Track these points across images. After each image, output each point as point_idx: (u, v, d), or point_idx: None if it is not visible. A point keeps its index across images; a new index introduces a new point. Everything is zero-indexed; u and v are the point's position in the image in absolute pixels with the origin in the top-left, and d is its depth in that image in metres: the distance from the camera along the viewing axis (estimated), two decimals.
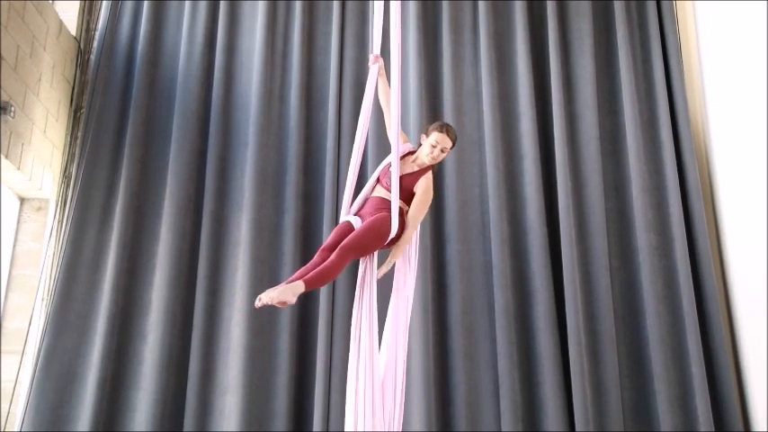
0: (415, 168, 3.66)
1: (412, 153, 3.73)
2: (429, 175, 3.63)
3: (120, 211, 5.21)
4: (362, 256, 3.51)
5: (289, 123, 5.50)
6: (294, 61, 5.64)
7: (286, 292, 3.17)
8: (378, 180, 3.72)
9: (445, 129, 3.64)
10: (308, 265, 3.44)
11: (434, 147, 3.60)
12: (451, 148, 3.69)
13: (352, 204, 3.71)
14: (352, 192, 3.72)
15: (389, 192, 3.57)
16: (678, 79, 5.53)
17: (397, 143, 3.53)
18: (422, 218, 3.64)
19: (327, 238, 3.57)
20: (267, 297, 3.15)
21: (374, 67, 3.77)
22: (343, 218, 3.67)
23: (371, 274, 3.52)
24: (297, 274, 3.35)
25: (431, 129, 3.67)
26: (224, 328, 5.04)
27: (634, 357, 4.98)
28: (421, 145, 3.67)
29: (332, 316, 5.00)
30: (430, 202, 3.64)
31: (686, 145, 5.34)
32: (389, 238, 3.50)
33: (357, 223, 3.58)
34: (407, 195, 3.60)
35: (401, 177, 3.57)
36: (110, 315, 4.97)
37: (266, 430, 4.81)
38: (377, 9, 3.75)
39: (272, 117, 5.51)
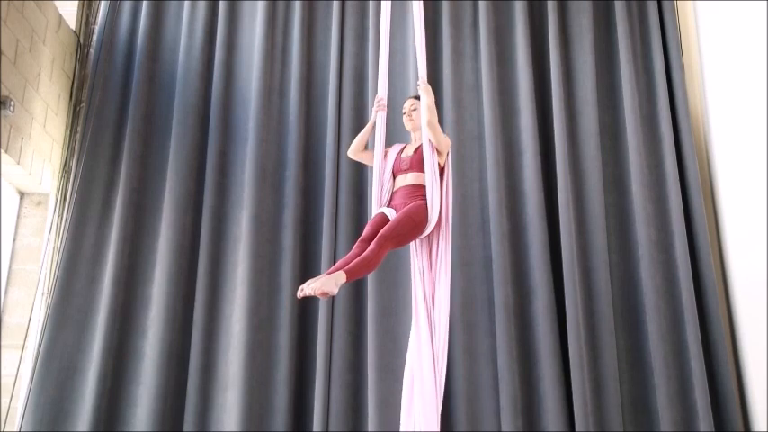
0: (416, 145, 3.87)
1: (402, 149, 3.95)
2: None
3: (120, 205, 5.22)
4: (401, 245, 3.58)
5: (289, 119, 5.49)
6: (294, 56, 5.63)
7: (328, 283, 3.18)
8: (394, 176, 3.78)
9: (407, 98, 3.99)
10: (346, 256, 3.48)
11: (404, 114, 3.96)
12: (416, 103, 3.93)
13: (380, 199, 3.83)
14: (381, 185, 3.81)
15: (414, 172, 3.71)
16: (678, 74, 5.52)
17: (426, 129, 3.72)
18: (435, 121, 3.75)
19: (364, 230, 3.61)
20: (309, 288, 3.16)
21: (381, 115, 3.95)
22: (375, 211, 3.75)
23: (422, 265, 3.64)
24: (337, 264, 3.39)
25: None
26: (224, 324, 5.05)
27: (633, 352, 4.98)
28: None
29: (332, 310, 5.01)
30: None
31: (686, 140, 5.33)
32: (427, 230, 3.58)
33: (391, 214, 3.63)
34: (422, 165, 3.72)
35: (414, 153, 3.79)
36: (110, 310, 4.98)
37: (267, 425, 4.82)
38: (383, 28, 3.86)
39: (271, 112, 5.51)
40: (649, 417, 4.83)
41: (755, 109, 4.66)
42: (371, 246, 3.36)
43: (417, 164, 3.73)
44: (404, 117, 3.94)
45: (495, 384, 4.85)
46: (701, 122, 5.50)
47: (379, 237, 3.38)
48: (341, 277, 3.23)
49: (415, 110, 3.89)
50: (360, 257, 3.34)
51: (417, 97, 3.93)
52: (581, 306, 4.94)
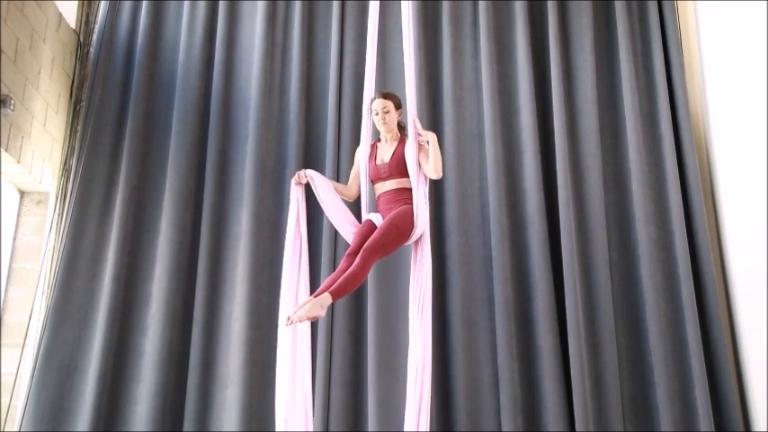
0: (395, 144, 3.77)
1: (374, 145, 3.85)
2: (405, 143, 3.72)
3: (121, 204, 5.22)
4: (388, 254, 3.54)
5: (289, 117, 5.50)
6: (294, 54, 5.64)
7: (314, 308, 3.19)
8: (372, 181, 3.75)
9: (374, 96, 3.80)
10: (335, 272, 3.46)
11: (376, 115, 3.77)
12: (388, 104, 3.79)
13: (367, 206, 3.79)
14: (368, 192, 3.79)
15: (394, 179, 3.64)
16: (678, 72, 5.53)
17: (415, 134, 3.64)
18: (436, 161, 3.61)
19: (352, 242, 3.59)
20: (296, 317, 3.18)
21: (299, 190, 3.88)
22: (364, 217, 3.73)
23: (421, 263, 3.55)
24: (324, 284, 3.37)
25: None
26: (224, 322, 5.05)
27: (633, 350, 4.99)
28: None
29: (332, 309, 5.00)
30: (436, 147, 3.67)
31: (686, 138, 5.34)
32: (413, 237, 3.53)
33: (378, 220, 3.61)
34: (404, 166, 3.66)
35: (391, 159, 3.70)
36: (110, 308, 4.98)
37: (267, 423, 4.82)
38: (371, 20, 3.78)
39: (271, 110, 5.51)
40: (649, 415, 4.83)
41: (755, 108, 4.67)
42: (356, 260, 3.34)
43: (396, 171, 3.67)
44: (375, 118, 3.79)
45: (495, 383, 4.86)
46: (701, 121, 5.51)
47: (364, 250, 3.37)
48: (326, 299, 3.23)
49: (387, 112, 3.75)
50: (345, 275, 3.32)
51: (384, 95, 3.82)
52: (581, 304, 4.94)
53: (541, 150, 5.36)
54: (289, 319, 3.21)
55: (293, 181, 3.89)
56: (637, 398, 4.89)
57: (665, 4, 5.75)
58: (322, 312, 3.22)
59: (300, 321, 3.20)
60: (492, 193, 5.18)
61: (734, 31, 5.08)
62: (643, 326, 4.98)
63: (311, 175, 3.83)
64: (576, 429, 4.67)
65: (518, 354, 4.91)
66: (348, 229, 3.74)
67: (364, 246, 3.39)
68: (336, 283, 3.30)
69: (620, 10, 5.65)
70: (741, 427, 4.73)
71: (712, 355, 4.87)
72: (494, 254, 5.06)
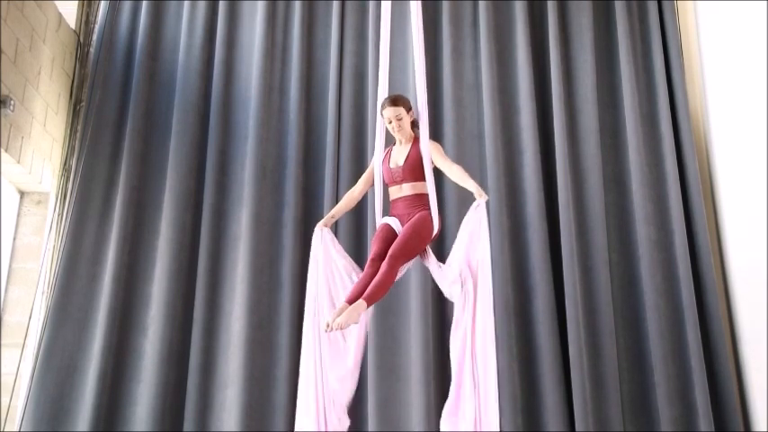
0: (409, 146, 3.75)
1: (388, 156, 3.83)
2: (419, 143, 3.70)
3: (121, 204, 5.22)
4: (412, 258, 3.60)
5: (289, 117, 5.50)
6: (294, 54, 5.64)
7: (352, 315, 3.29)
8: (387, 185, 3.74)
9: (383, 104, 3.74)
10: (361, 279, 3.51)
11: (389, 123, 3.72)
12: (399, 111, 3.71)
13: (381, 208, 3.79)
14: (382, 195, 3.78)
15: (409, 183, 3.65)
16: (678, 73, 5.53)
17: (428, 144, 3.62)
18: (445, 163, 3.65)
19: (373, 247, 3.61)
20: (336, 324, 3.27)
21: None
22: (379, 221, 3.74)
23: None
24: (354, 291, 3.43)
25: None
26: (224, 322, 5.05)
27: (633, 351, 4.99)
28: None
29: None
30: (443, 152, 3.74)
31: (686, 138, 5.34)
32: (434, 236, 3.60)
33: (396, 224, 3.64)
34: (419, 169, 3.65)
35: (405, 162, 3.68)
36: (110, 308, 4.98)
37: (267, 424, 4.82)
38: (383, 32, 3.73)
39: (271, 110, 5.51)
40: (649, 416, 4.83)
41: (755, 109, 4.67)
42: (383, 267, 3.42)
43: (410, 174, 3.68)
44: (389, 126, 3.75)
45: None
46: (701, 122, 5.51)
47: (390, 257, 3.44)
48: (362, 306, 3.33)
49: (400, 119, 3.71)
50: (375, 281, 3.40)
51: (394, 102, 3.73)
52: (581, 305, 4.94)
53: (541, 150, 5.36)
54: (328, 326, 3.29)
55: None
56: (637, 398, 4.89)
57: (665, 5, 5.75)
58: (358, 319, 3.32)
59: (341, 329, 3.29)
60: (492, 194, 5.18)
61: (734, 32, 5.07)
62: (643, 326, 4.98)
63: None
64: (576, 429, 4.68)
65: (518, 354, 4.90)
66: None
67: (389, 253, 3.46)
68: (368, 290, 3.37)
69: (620, 10, 5.65)
70: (741, 427, 4.73)
71: (712, 356, 4.87)
72: (493, 254, 5.04)
